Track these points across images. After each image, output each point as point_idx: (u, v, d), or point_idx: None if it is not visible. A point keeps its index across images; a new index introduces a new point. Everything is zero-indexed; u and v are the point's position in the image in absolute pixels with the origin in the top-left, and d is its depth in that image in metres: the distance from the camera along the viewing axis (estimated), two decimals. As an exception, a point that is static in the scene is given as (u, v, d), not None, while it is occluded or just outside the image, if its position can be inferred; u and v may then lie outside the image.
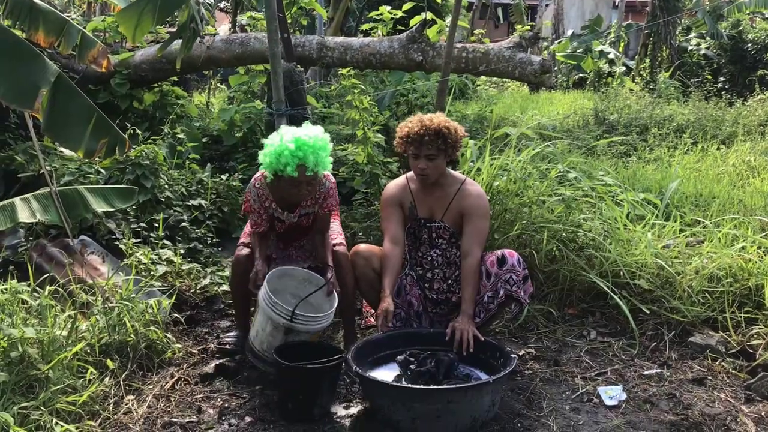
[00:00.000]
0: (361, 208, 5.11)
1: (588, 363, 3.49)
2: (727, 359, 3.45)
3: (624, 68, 15.80)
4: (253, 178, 3.44)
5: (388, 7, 8.33)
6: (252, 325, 3.27)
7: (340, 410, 2.98)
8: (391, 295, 3.20)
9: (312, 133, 3.15)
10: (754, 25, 15.84)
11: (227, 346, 3.50)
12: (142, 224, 4.54)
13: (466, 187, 3.40)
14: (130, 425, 2.80)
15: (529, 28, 7.32)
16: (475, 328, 3.12)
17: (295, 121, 4.04)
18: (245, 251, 3.47)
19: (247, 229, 3.59)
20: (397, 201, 3.46)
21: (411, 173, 3.45)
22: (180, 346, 3.50)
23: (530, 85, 15.00)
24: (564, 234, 4.17)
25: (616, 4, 23.42)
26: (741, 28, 15.29)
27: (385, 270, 3.28)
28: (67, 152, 5.03)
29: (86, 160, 4.65)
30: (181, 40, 4.15)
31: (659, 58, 14.37)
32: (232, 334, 3.61)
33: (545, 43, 18.32)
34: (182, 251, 4.41)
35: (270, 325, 3.11)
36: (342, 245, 3.52)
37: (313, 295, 3.25)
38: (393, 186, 3.52)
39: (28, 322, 3.03)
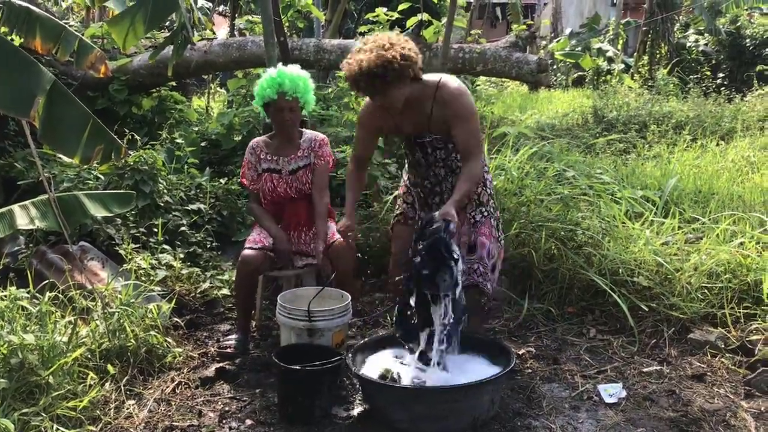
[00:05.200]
0: (360, 210, 5.10)
1: (588, 361, 3.50)
2: (727, 355, 3.45)
3: (623, 66, 15.78)
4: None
5: (385, 9, 8.34)
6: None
7: (340, 412, 2.98)
8: (352, 214, 3.25)
9: (292, 68, 3.62)
10: (752, 20, 15.83)
11: (227, 350, 3.52)
12: (142, 229, 4.55)
13: (442, 93, 3.03)
14: (131, 430, 2.81)
15: (525, 27, 7.33)
16: (455, 211, 2.80)
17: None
18: (252, 252, 3.52)
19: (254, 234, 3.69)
20: (374, 126, 3.27)
21: None
22: (180, 350, 3.50)
23: (529, 84, 14.98)
24: (562, 233, 4.17)
25: (614, 1, 23.40)
26: (739, 23, 15.28)
27: (348, 189, 3.32)
28: (66, 159, 5.05)
29: (84, 166, 4.66)
30: (173, 47, 4.17)
31: (658, 55, 14.38)
32: (232, 337, 3.62)
33: (544, 42, 18.31)
34: (182, 255, 4.41)
35: (293, 335, 3.16)
36: (341, 240, 3.54)
37: (329, 299, 3.33)
38: (371, 108, 3.20)
39: (28, 328, 3.04)
